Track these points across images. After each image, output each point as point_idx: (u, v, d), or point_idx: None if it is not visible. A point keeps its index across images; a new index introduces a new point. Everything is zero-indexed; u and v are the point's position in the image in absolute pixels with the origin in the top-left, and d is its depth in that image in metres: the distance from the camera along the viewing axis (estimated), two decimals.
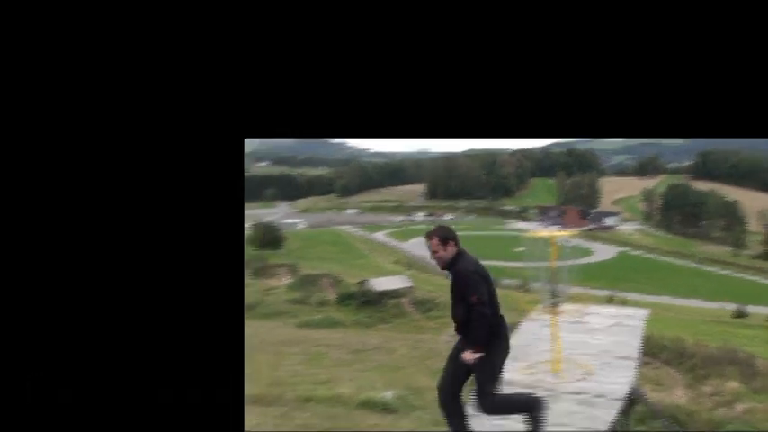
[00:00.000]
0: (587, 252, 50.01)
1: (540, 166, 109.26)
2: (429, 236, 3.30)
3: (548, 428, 3.52)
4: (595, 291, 23.27)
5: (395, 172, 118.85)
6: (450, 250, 3.28)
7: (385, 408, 4.88)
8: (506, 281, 33.86)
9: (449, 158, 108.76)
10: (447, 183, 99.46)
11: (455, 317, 3.31)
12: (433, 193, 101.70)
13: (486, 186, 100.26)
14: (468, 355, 3.15)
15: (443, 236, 3.29)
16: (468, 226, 74.00)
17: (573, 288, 6.16)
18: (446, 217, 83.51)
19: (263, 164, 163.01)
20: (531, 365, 4.57)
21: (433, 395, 6.01)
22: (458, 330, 3.35)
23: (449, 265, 3.28)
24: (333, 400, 4.63)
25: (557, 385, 4.18)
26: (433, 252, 3.30)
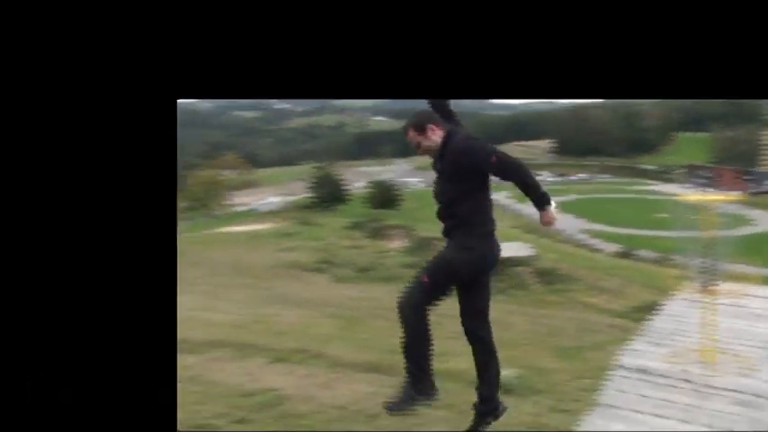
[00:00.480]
0: (747, 221, 45.34)
1: (689, 116, 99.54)
2: (404, 131, 3.02)
3: (697, 430, 3.23)
4: (757, 269, 21.05)
5: (519, 125, 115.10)
6: (435, 133, 2.95)
7: (504, 388, 4.76)
8: (644, 252, 31.68)
9: (578, 110, 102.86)
10: (577, 137, 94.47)
11: (442, 197, 2.96)
12: (561, 149, 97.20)
13: (624, 142, 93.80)
14: (551, 215, 2.79)
15: (417, 123, 2.98)
16: (601, 187, 70.22)
17: (728, 264, 5.58)
18: (577, 176, 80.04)
19: (381, 119, 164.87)
20: (677, 353, 4.21)
21: (559, 378, 5.78)
22: (440, 214, 3.00)
23: (443, 149, 2.94)
24: (446, 375, 4.59)
25: (708, 379, 3.81)
26: (417, 146, 3.01)
